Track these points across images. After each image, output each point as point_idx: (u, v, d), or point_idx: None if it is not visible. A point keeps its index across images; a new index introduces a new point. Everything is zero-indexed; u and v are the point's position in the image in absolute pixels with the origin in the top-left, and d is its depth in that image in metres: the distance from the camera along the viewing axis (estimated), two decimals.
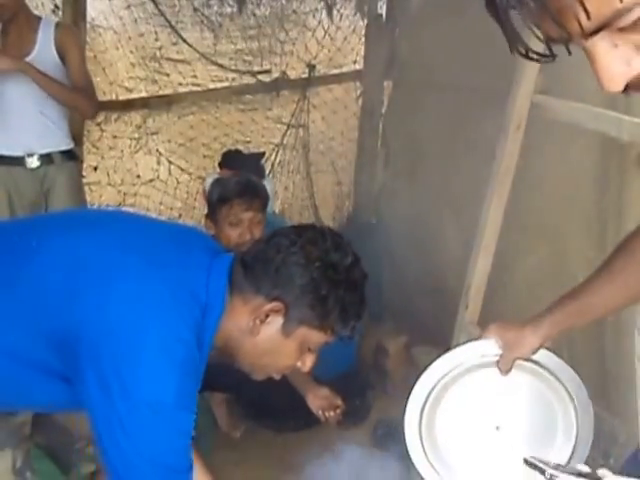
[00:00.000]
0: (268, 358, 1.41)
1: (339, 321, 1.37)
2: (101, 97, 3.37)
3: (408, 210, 3.53)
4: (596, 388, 1.96)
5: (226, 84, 3.97)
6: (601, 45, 0.57)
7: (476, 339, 1.39)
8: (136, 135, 3.74)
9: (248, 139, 4.07)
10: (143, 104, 3.73)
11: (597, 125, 2.08)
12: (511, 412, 1.40)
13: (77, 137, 3.27)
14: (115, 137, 3.68)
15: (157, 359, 1.23)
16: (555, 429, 1.40)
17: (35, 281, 1.33)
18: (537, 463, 0.80)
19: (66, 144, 3.00)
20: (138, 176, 3.80)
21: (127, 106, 3.70)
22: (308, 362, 1.44)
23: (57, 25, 2.92)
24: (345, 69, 4.32)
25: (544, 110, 2.26)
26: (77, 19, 3.29)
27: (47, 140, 2.93)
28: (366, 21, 4.13)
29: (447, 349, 1.40)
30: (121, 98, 3.67)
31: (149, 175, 3.84)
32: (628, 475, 0.76)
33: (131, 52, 3.64)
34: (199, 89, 3.88)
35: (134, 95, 3.72)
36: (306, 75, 4.15)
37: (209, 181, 2.85)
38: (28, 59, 2.81)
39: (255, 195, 2.53)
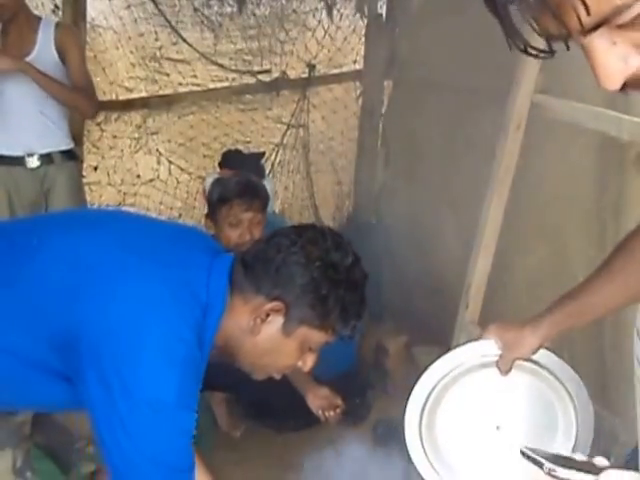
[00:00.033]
0: (268, 358, 1.41)
1: (339, 321, 1.37)
2: (101, 97, 3.37)
3: (408, 210, 3.53)
4: (596, 388, 1.96)
5: (226, 84, 3.97)
6: (599, 42, 0.57)
7: (476, 339, 1.39)
8: (136, 135, 3.74)
9: (248, 139, 4.06)
10: (143, 104, 3.73)
11: (597, 124, 2.08)
12: (511, 412, 1.40)
13: (77, 137, 3.27)
14: (115, 137, 3.68)
15: (158, 358, 1.23)
16: (555, 429, 1.40)
17: (35, 281, 1.33)
18: (534, 456, 0.80)
19: (66, 144, 3.00)
20: (138, 176, 3.80)
21: (127, 106, 3.70)
22: (309, 362, 1.44)
23: (57, 25, 2.92)
24: (345, 69, 4.31)
25: (544, 110, 2.26)
26: (77, 19, 3.29)
27: (47, 140, 2.92)
28: (366, 21, 4.13)
29: (447, 349, 1.41)
30: (121, 98, 3.67)
31: (149, 175, 3.84)
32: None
33: (131, 52, 3.64)
34: (199, 89, 3.88)
35: (134, 95, 3.72)
36: (306, 75, 4.15)
37: (209, 181, 2.84)
38: (28, 59, 2.80)
39: (255, 195, 2.53)
